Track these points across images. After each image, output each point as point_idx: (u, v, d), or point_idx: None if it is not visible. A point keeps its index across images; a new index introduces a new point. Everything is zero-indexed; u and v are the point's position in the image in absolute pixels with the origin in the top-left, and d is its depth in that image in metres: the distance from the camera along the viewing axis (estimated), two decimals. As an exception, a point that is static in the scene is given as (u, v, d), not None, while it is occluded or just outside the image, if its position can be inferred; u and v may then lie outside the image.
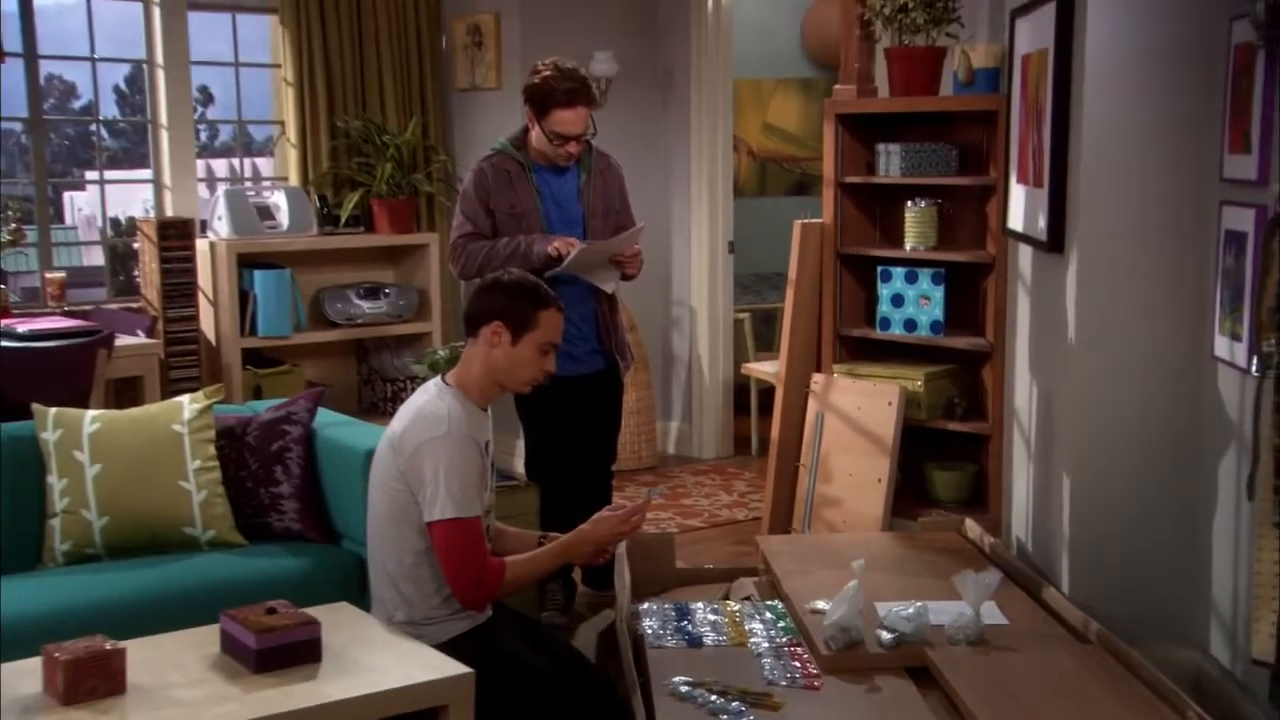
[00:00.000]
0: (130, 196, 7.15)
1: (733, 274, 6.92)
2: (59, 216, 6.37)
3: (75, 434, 3.67)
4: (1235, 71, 3.25)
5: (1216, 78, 3.39)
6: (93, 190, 6.94)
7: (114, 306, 5.81)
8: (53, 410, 3.71)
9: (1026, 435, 4.25)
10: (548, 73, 4.20)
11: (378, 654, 2.82)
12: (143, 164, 6.38)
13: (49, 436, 3.66)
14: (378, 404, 6.33)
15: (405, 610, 3.11)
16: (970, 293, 4.84)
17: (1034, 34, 3.98)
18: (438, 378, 3.28)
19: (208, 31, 6.22)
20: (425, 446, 3.06)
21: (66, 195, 6.98)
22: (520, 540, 3.40)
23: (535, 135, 4.26)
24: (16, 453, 3.66)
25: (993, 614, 3.46)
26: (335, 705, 2.60)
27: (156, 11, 5.97)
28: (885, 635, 3.30)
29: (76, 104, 7.37)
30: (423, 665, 2.77)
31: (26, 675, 2.62)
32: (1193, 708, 2.86)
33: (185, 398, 3.89)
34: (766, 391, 6.44)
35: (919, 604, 3.37)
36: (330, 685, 2.66)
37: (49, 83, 5.96)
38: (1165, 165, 3.53)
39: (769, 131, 8.23)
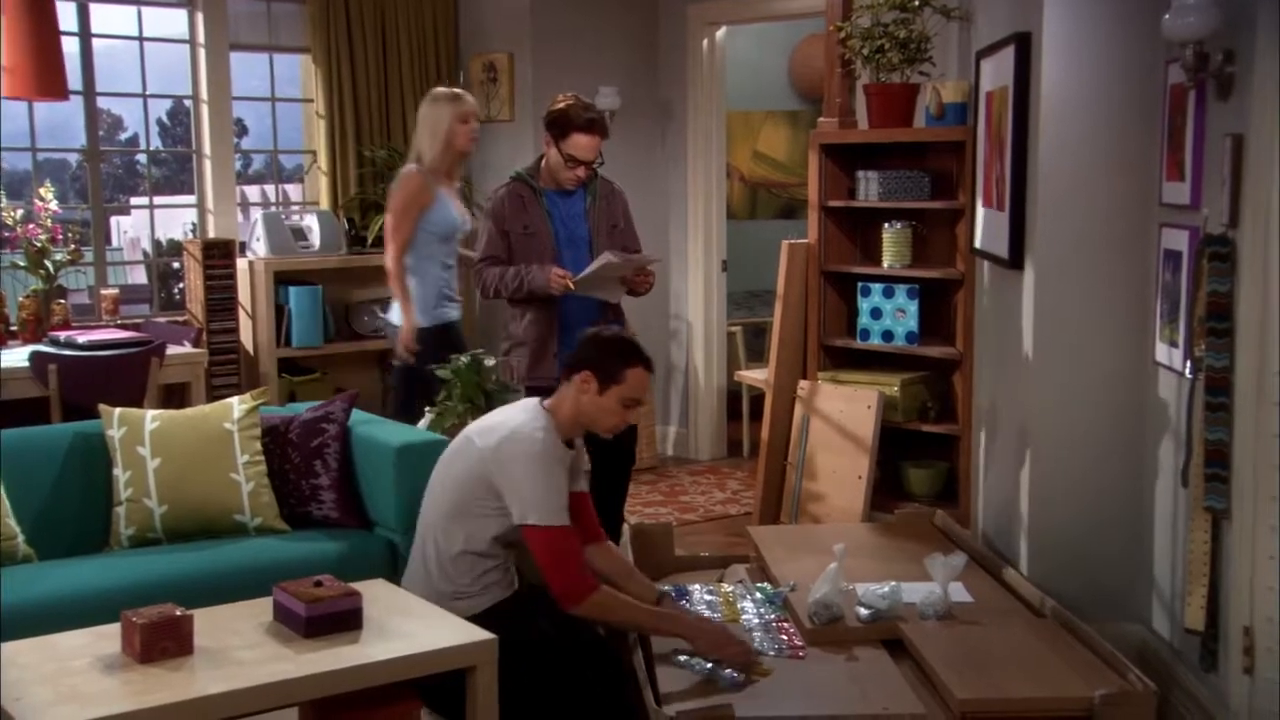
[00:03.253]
0: (170, 220, 7.22)
1: (726, 290, 6.96)
2: (107, 239, 6.44)
3: (138, 431, 3.77)
4: (1171, 109, 3.37)
5: (1155, 114, 3.52)
6: (137, 214, 7.02)
7: (162, 319, 5.89)
8: (117, 410, 3.81)
9: (991, 434, 4.35)
10: (570, 102, 4.35)
11: (412, 622, 2.91)
12: (182, 190, 6.40)
13: (114, 433, 3.76)
14: (400, 409, 6.42)
15: (441, 585, 3.19)
16: (942, 306, 4.92)
17: (996, 73, 4.09)
18: (537, 399, 3.32)
19: (245, 69, 6.30)
20: (519, 458, 3.12)
21: (113, 219, 7.06)
22: (641, 589, 3.37)
23: (552, 156, 4.36)
24: (86, 448, 3.78)
25: (959, 593, 3.57)
26: (376, 665, 2.71)
27: (202, 53, 6.08)
28: (863, 611, 3.41)
29: (123, 136, 7.47)
30: (452, 631, 2.87)
31: (106, 638, 2.75)
32: (1133, 670, 2.99)
33: (234, 399, 3.96)
34: (757, 398, 6.44)
35: (893, 584, 3.48)
36: (371, 648, 2.76)
37: (99, 116, 6.05)
38: (1111, 191, 3.64)
39: (759, 159, 8.28)
